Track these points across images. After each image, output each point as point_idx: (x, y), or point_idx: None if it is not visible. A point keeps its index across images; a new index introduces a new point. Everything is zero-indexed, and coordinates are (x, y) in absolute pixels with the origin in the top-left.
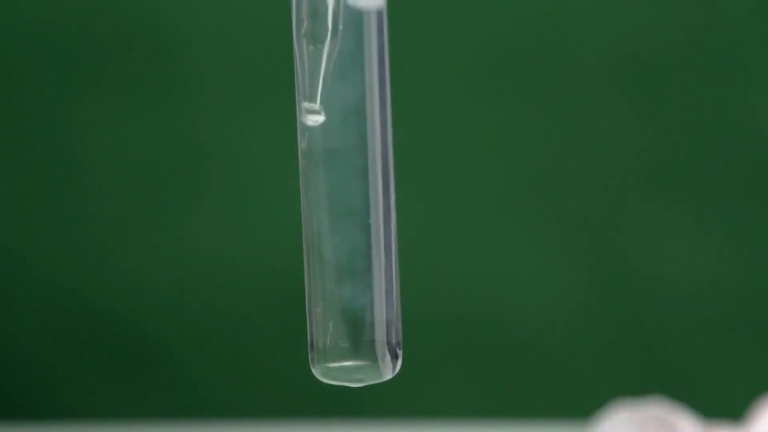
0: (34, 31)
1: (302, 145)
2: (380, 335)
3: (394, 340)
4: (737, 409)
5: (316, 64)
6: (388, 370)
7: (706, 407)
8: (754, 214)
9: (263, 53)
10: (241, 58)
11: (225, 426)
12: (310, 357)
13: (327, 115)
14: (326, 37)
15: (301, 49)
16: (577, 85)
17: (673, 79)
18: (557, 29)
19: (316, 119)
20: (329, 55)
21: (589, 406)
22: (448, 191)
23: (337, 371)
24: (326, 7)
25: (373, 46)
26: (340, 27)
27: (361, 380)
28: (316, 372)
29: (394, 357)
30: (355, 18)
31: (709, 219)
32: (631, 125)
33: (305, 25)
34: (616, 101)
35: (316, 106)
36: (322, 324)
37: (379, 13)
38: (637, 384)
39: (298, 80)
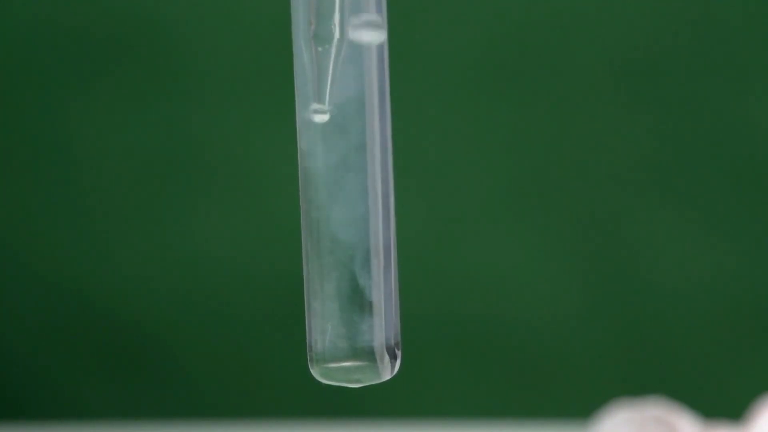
0: (33, 30)
1: (302, 145)
2: (379, 335)
3: (392, 341)
4: (737, 409)
5: (325, 65)
6: (387, 371)
7: (706, 407)
8: (754, 215)
9: (263, 53)
10: (241, 58)
11: (225, 426)
12: (309, 358)
13: (329, 114)
14: (333, 37)
15: (308, 51)
16: (578, 85)
17: (674, 79)
18: (557, 30)
19: (322, 117)
20: (336, 56)
21: (589, 406)
22: (448, 191)
23: (336, 372)
24: (333, 8)
25: (374, 46)
26: (347, 27)
27: (359, 381)
28: (315, 373)
29: (393, 357)
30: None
31: (708, 219)
32: (632, 126)
33: (312, 26)
34: (617, 101)
35: (325, 106)
36: (321, 325)
37: (379, 14)
38: (637, 384)
39: (303, 81)
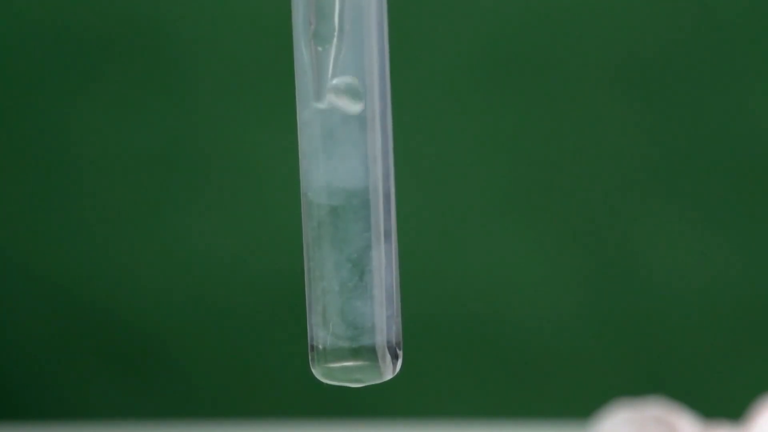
0: (32, 30)
1: (302, 145)
2: (380, 335)
3: (394, 341)
4: (737, 409)
5: (324, 65)
6: (388, 371)
7: (706, 407)
8: (755, 215)
9: (263, 53)
10: (241, 58)
11: (225, 426)
12: (310, 357)
13: (327, 115)
14: (333, 37)
15: (308, 51)
16: (578, 85)
17: (674, 79)
18: (557, 30)
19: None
20: (336, 56)
21: (589, 406)
22: (449, 191)
23: (338, 371)
24: (332, 8)
25: (374, 46)
26: (346, 27)
27: (361, 380)
28: (317, 372)
29: (394, 357)
30: (358, 18)
31: (709, 219)
32: (633, 125)
33: (312, 26)
34: (618, 101)
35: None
36: (323, 324)
37: (379, 14)
38: (637, 384)
39: (303, 81)
